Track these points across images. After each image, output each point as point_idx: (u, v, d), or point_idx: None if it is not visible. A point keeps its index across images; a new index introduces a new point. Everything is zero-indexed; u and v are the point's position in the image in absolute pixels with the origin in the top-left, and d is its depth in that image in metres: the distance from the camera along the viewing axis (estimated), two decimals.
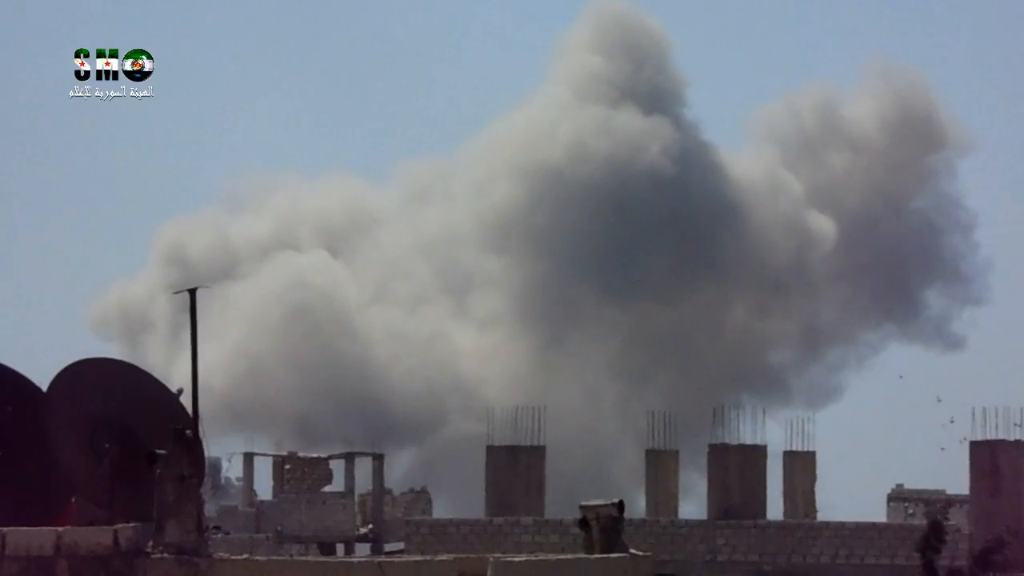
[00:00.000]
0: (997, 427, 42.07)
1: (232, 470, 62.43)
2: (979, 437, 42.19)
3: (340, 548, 57.64)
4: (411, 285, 67.97)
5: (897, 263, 67.24)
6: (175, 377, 64.88)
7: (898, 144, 69.17)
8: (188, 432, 22.17)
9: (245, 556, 21.50)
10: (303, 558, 27.19)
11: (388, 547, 54.56)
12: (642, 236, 63.77)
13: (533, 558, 22.75)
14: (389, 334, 65.86)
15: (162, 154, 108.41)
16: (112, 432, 23.68)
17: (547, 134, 66.60)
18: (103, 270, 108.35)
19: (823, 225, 66.26)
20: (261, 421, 62.95)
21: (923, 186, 68.89)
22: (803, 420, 46.07)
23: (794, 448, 45.54)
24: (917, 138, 69.25)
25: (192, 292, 23.83)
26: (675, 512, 44.60)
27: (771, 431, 45.51)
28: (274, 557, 23.10)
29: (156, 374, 25.21)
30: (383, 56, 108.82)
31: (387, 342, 65.64)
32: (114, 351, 24.85)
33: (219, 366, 64.55)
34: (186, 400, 23.95)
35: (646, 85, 67.64)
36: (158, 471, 21.51)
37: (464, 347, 65.35)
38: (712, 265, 63.90)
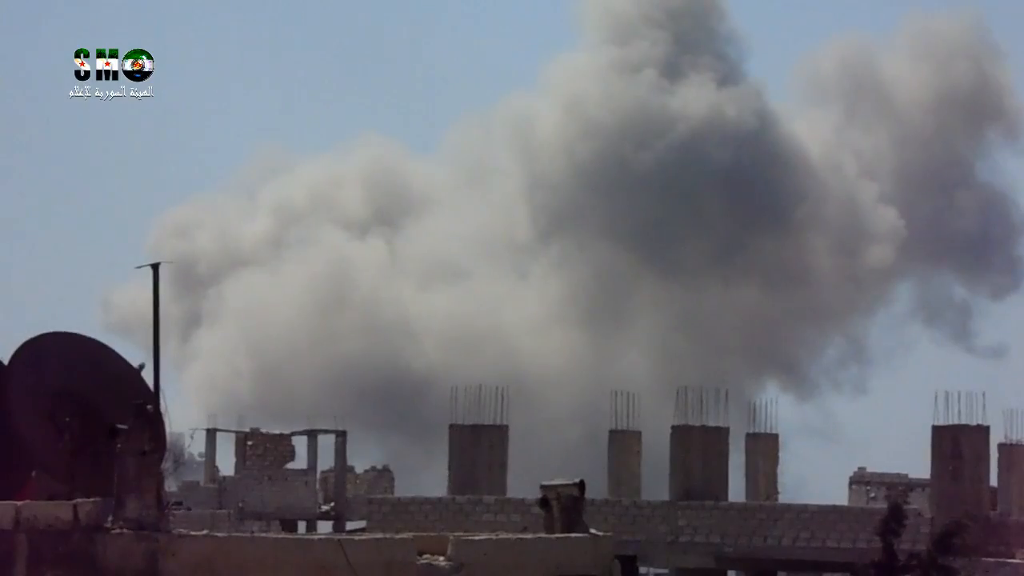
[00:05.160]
0: (960, 412, 42.24)
1: (194, 446, 62.25)
2: (941, 422, 42.33)
3: (302, 525, 57.52)
4: (459, 269, 65.92)
5: (941, 254, 65.47)
6: (185, 379, 63.77)
7: (944, 115, 66.38)
8: (149, 407, 22.07)
9: (205, 532, 21.43)
10: (263, 535, 27.09)
11: (350, 525, 54.47)
12: (699, 221, 62.10)
13: (493, 537, 22.73)
14: (437, 320, 63.98)
15: (164, 152, 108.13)
16: (73, 406, 23.58)
17: (601, 107, 63.95)
18: (104, 270, 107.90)
19: (889, 223, 64.39)
20: (291, 414, 60.82)
21: (974, 165, 66.48)
22: (766, 402, 46.16)
23: (756, 431, 45.63)
24: (965, 106, 66.44)
25: (155, 267, 23.75)
26: (637, 493, 44.63)
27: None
28: (234, 534, 23.04)
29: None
30: (396, 24, 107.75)
31: (435, 328, 63.74)
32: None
33: (246, 354, 63.36)
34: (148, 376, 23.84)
35: (710, 46, 65.02)
36: (119, 446, 21.41)
37: (517, 331, 63.49)
38: (762, 259, 62.59)
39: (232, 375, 64.83)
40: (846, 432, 60.93)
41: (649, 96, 63.55)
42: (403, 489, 55.73)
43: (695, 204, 62.07)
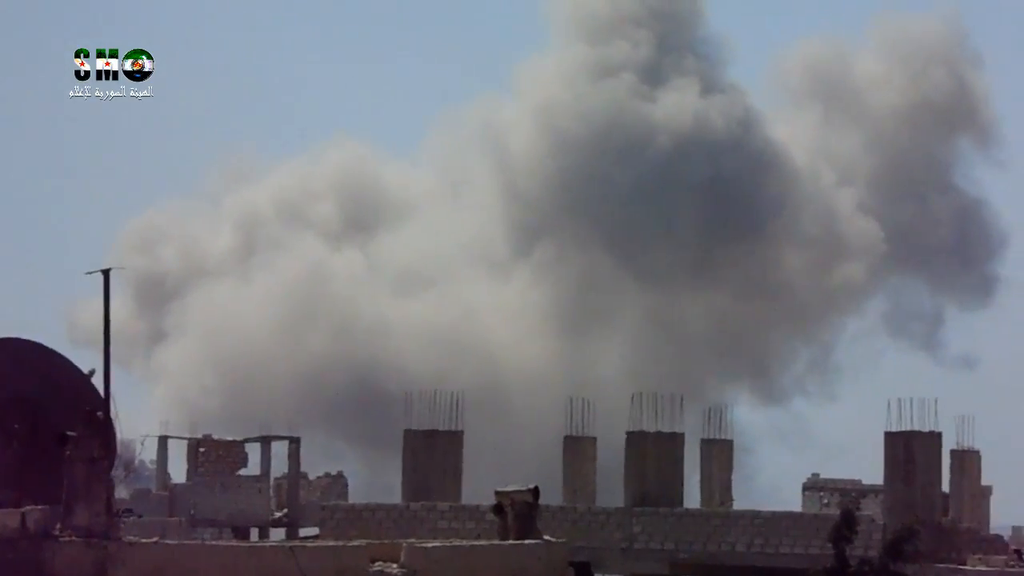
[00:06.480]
0: (912, 418, 42.37)
1: (146, 453, 61.88)
2: (894, 428, 42.46)
3: (254, 532, 57.26)
4: (434, 277, 64.76)
5: (914, 263, 64.78)
6: (154, 391, 62.44)
7: (918, 122, 65.46)
8: (99, 414, 21.90)
9: (155, 540, 21.25)
10: (214, 542, 26.90)
11: (303, 532, 54.23)
12: (676, 232, 61.23)
13: (447, 544, 22.64)
14: (412, 327, 63.08)
15: (164, 151, 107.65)
16: (21, 412, 23.36)
17: (577, 116, 62.60)
18: (69, 281, 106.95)
19: (867, 236, 63.49)
20: (263, 425, 59.71)
21: (948, 174, 65.64)
22: (722, 408, 46.16)
23: (711, 436, 45.60)
24: (939, 114, 65.47)
25: (106, 273, 23.60)
26: (592, 499, 44.56)
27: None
28: (185, 541, 22.86)
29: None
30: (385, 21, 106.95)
31: (410, 336, 62.82)
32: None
33: (221, 363, 62.58)
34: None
35: (691, 49, 63.66)
36: (68, 453, 21.21)
37: (494, 336, 62.64)
38: (738, 269, 61.87)
39: (200, 388, 64.20)
40: (817, 439, 60.72)
41: (628, 104, 62.57)
42: (382, 498, 55.28)
43: (673, 215, 61.49)
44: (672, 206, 61.62)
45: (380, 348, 63.15)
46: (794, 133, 65.47)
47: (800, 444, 60.36)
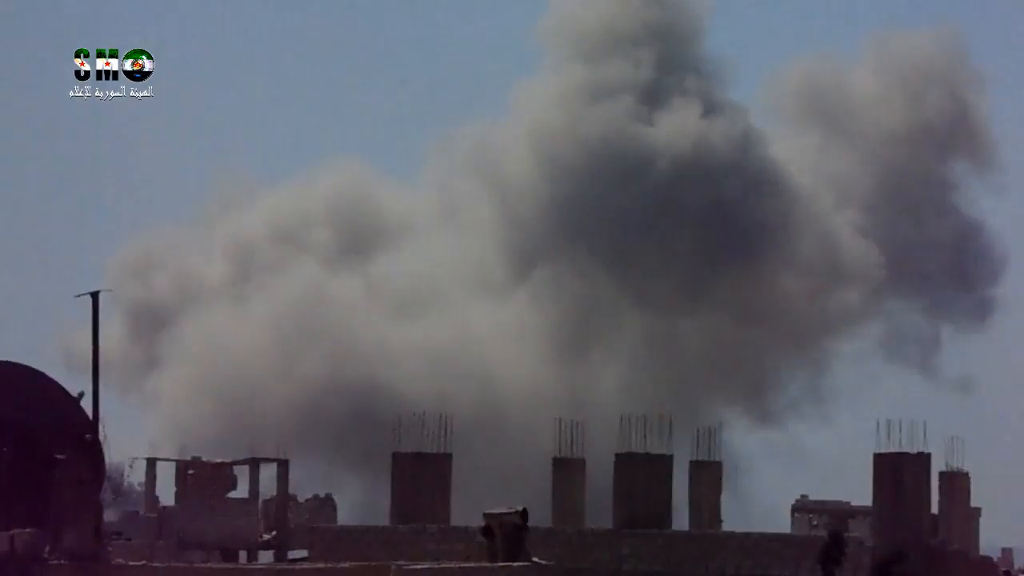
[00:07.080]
0: (901, 440, 42.41)
1: (134, 475, 61.73)
2: (883, 450, 42.48)
3: (243, 555, 57.17)
4: (432, 301, 64.34)
5: (911, 286, 64.42)
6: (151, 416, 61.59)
7: (913, 142, 65.06)
8: (88, 436, 21.91)
9: (143, 563, 21.24)
10: (202, 565, 26.92)
11: (292, 554, 54.15)
12: (675, 256, 60.96)
13: (435, 566, 22.64)
14: (409, 351, 62.73)
15: (162, 155, 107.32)
16: (9, 435, 23.36)
17: (576, 136, 62.19)
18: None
19: (866, 259, 63.04)
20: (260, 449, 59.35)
21: (945, 198, 65.28)
22: (711, 430, 46.17)
23: (701, 458, 45.60)
24: (936, 133, 64.68)
25: (95, 295, 23.62)
26: (582, 521, 44.53)
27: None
28: (173, 564, 22.85)
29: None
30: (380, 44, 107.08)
31: (407, 359, 62.48)
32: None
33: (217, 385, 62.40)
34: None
35: (692, 68, 63.15)
36: (56, 476, 21.22)
37: (491, 360, 62.39)
38: (736, 293, 61.53)
39: (196, 413, 63.93)
40: (812, 461, 60.42)
41: (626, 127, 62.26)
42: (376, 521, 55.26)
43: (670, 239, 61.34)
44: (669, 229, 61.54)
45: (377, 372, 62.97)
46: (792, 154, 65.23)
47: (795, 466, 60.28)
